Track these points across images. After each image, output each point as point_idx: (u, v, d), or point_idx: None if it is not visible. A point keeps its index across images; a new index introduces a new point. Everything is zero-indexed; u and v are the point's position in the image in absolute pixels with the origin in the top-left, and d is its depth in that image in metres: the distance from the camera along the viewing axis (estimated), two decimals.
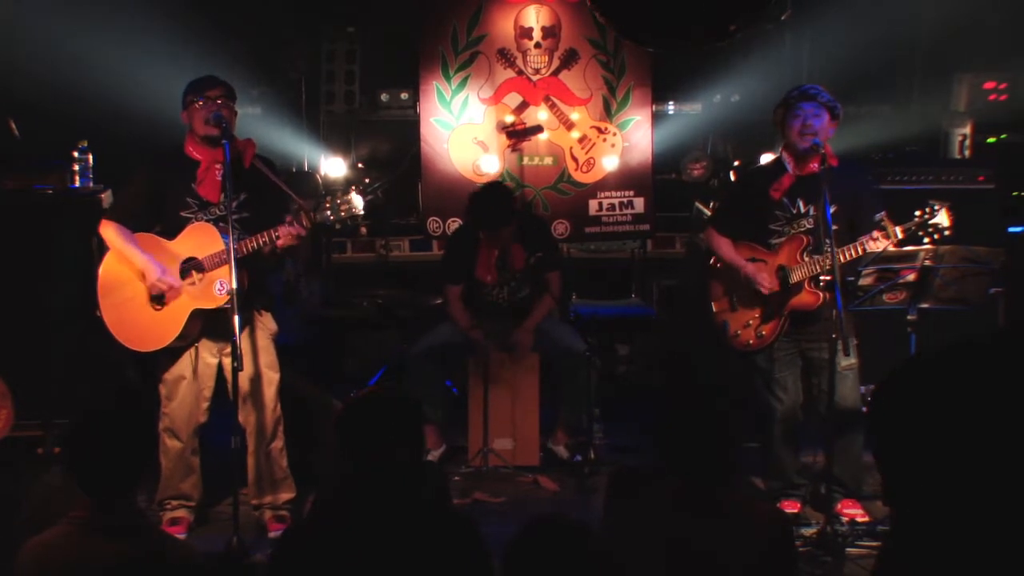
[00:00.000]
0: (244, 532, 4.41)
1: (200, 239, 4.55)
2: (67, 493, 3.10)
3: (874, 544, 4.37)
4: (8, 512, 4.05)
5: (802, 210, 4.75)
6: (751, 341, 4.87)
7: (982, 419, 1.33)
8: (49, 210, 5.63)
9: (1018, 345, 1.37)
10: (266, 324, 4.74)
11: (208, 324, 4.58)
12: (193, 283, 4.54)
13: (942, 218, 4.41)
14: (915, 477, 1.39)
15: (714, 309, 5.02)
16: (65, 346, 5.50)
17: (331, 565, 2.62)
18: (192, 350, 4.65)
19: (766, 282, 4.77)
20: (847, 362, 4.67)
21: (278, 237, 4.45)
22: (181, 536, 4.55)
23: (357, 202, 4.49)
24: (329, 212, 4.47)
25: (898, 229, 4.47)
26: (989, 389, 1.34)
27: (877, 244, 4.49)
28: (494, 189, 5.94)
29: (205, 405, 4.72)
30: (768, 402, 4.86)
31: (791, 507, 4.83)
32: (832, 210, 4.58)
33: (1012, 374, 1.34)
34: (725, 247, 4.96)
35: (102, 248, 4.79)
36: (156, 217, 4.64)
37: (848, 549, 4.37)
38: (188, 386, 4.66)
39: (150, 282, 4.52)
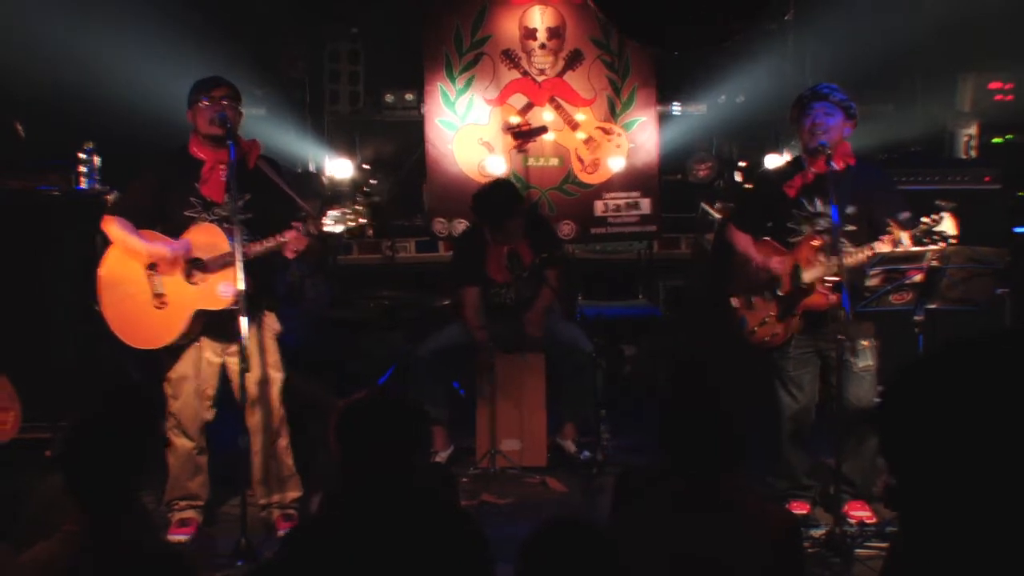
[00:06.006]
0: (251, 533, 4.40)
1: (205, 240, 4.54)
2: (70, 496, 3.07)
3: (883, 546, 4.35)
4: (13, 513, 4.04)
5: (819, 209, 4.72)
6: (767, 338, 4.85)
7: (996, 418, 1.31)
8: (54, 211, 5.63)
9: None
10: (269, 324, 4.74)
11: (211, 323, 4.58)
12: (195, 283, 4.54)
13: (947, 225, 4.39)
14: (926, 479, 1.38)
15: (734, 305, 5.01)
16: (72, 348, 5.50)
17: (335, 564, 2.61)
18: (194, 349, 4.65)
19: (775, 264, 4.74)
20: (864, 363, 4.66)
21: (284, 243, 4.46)
22: (190, 537, 4.57)
23: (363, 214, 4.52)
24: (336, 223, 4.49)
25: (904, 235, 4.45)
26: (1001, 388, 1.32)
27: (885, 248, 4.47)
28: (497, 184, 5.98)
29: (208, 403, 4.71)
30: (782, 400, 4.86)
31: (800, 508, 4.82)
32: (851, 210, 4.56)
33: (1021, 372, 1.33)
34: (743, 241, 4.94)
35: (106, 247, 4.78)
36: (160, 216, 4.63)
37: (857, 551, 4.35)
38: (191, 385, 4.66)
39: (167, 259, 4.49)
